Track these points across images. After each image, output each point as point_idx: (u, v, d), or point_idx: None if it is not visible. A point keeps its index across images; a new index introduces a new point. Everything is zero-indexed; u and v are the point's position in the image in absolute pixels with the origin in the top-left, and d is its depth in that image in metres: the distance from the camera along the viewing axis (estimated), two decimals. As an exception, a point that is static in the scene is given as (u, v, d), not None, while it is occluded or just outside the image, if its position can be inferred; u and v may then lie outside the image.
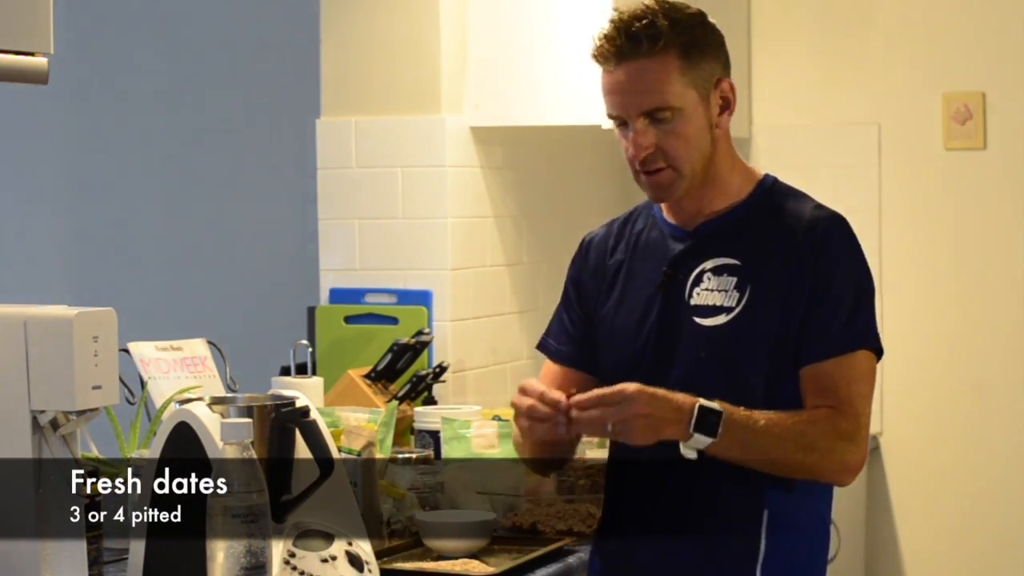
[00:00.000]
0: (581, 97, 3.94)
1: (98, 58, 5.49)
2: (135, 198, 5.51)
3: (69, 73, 5.22)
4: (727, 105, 2.55)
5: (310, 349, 3.72)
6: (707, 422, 2.40)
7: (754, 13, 4.92)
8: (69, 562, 2.42)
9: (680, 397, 2.41)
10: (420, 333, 3.84)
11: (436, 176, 3.99)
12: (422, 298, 3.97)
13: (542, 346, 2.77)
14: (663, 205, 2.62)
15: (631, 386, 2.40)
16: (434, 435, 3.47)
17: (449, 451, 3.33)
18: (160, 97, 5.47)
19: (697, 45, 2.51)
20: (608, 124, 3.92)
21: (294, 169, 5.02)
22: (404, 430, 3.63)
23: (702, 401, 2.40)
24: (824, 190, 4.84)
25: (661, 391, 2.41)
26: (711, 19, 2.58)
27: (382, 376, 3.79)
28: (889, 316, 4.81)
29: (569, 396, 2.44)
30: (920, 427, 4.81)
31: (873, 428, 4.79)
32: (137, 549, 2.44)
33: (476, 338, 4.08)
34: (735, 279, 2.52)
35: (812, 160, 4.88)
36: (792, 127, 4.90)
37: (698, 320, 2.52)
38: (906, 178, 4.81)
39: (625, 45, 2.49)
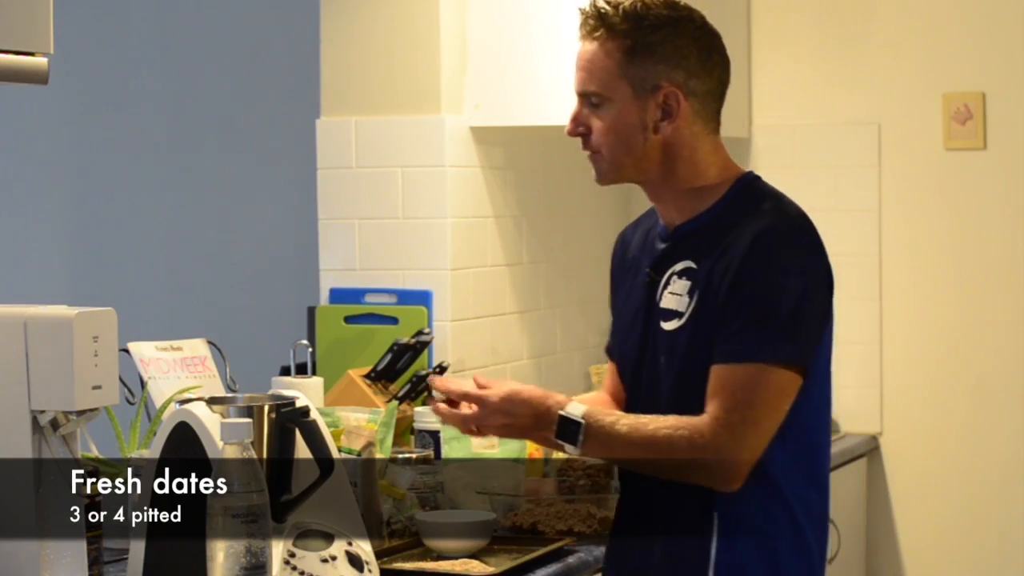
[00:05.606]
0: (581, 97, 3.94)
1: (98, 58, 5.49)
2: (135, 198, 5.51)
3: (69, 73, 5.22)
4: (668, 113, 2.53)
5: (310, 349, 3.72)
6: (567, 431, 2.46)
7: (754, 13, 4.92)
8: (69, 562, 2.42)
9: (548, 403, 2.49)
10: (420, 333, 3.84)
11: (436, 176, 3.99)
12: (422, 298, 3.97)
13: None
14: (657, 204, 2.64)
15: (495, 394, 2.50)
16: (434, 435, 3.48)
17: (449, 451, 3.34)
18: (160, 97, 5.47)
19: (648, 47, 2.51)
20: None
21: (294, 169, 5.02)
22: (404, 430, 3.63)
23: (563, 411, 2.47)
24: (824, 190, 4.90)
25: (531, 394, 2.50)
26: (700, 26, 2.56)
27: (382, 376, 3.79)
28: (889, 316, 4.81)
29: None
30: (920, 427, 4.80)
31: (873, 428, 4.83)
32: (137, 549, 2.44)
33: (476, 338, 4.08)
34: (689, 283, 2.52)
35: (812, 160, 4.87)
36: (792, 127, 4.90)
37: (662, 324, 2.54)
38: (906, 178, 4.80)
39: (586, 24, 2.56)
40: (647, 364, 2.56)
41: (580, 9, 2.58)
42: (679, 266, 2.54)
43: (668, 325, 2.53)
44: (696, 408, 2.45)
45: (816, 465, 2.57)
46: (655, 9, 2.53)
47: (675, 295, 2.53)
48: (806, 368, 2.47)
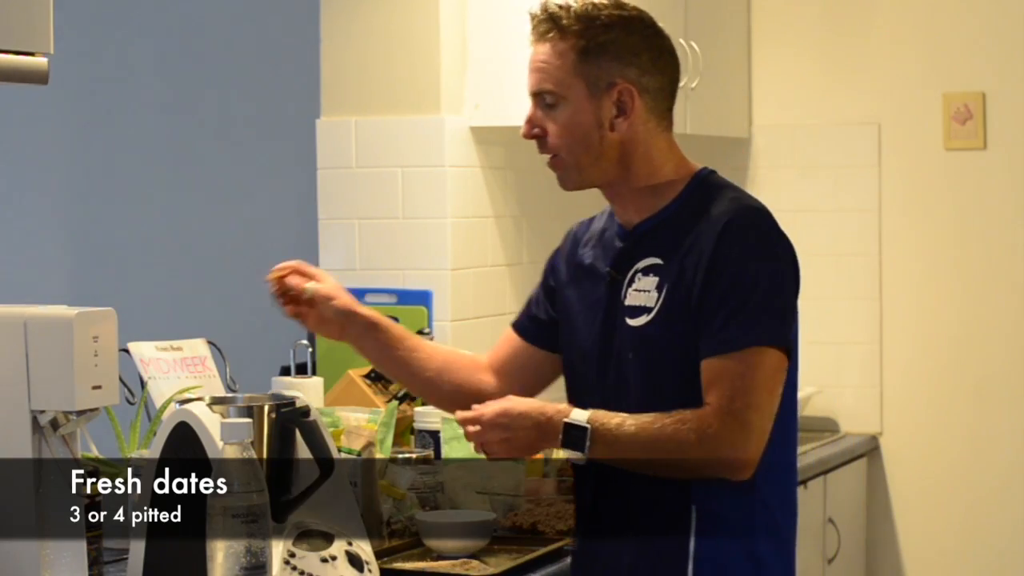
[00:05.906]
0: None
1: (98, 58, 5.49)
2: (135, 198, 5.51)
3: (69, 73, 5.22)
4: (623, 110, 2.56)
5: (310, 349, 3.72)
6: (574, 437, 2.46)
7: (754, 13, 4.92)
8: (69, 562, 2.42)
9: (548, 412, 2.49)
10: (420, 333, 3.84)
11: (436, 176, 3.99)
12: (422, 298, 3.97)
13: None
14: (615, 204, 2.66)
15: (490, 410, 2.50)
16: (434, 435, 3.47)
17: (449, 451, 3.33)
18: (160, 97, 5.47)
19: (601, 46, 2.55)
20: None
21: (294, 169, 5.01)
22: (404, 430, 3.63)
23: (568, 418, 2.47)
24: (824, 190, 4.90)
25: (528, 406, 2.50)
26: (649, 25, 2.59)
27: (382, 376, 3.79)
28: (889, 316, 4.81)
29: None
30: (920, 427, 4.81)
31: (873, 428, 4.83)
32: (137, 549, 2.44)
33: (476, 338, 4.08)
34: (657, 279, 2.54)
35: (812, 160, 4.88)
36: (792, 127, 4.90)
37: (628, 321, 2.55)
38: (906, 178, 4.81)
39: (538, 27, 2.59)
40: (614, 361, 2.57)
41: (530, 13, 2.61)
42: (643, 264, 2.56)
43: (635, 321, 2.54)
44: (667, 400, 2.47)
45: (786, 458, 2.60)
46: (605, 10, 2.57)
47: (642, 292, 2.54)
48: (790, 349, 2.50)
